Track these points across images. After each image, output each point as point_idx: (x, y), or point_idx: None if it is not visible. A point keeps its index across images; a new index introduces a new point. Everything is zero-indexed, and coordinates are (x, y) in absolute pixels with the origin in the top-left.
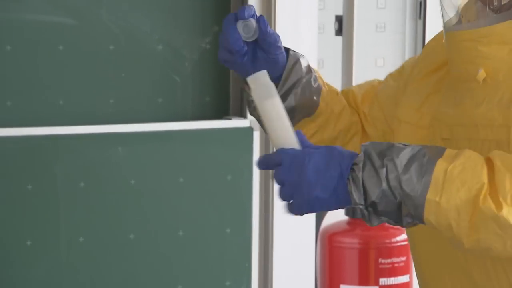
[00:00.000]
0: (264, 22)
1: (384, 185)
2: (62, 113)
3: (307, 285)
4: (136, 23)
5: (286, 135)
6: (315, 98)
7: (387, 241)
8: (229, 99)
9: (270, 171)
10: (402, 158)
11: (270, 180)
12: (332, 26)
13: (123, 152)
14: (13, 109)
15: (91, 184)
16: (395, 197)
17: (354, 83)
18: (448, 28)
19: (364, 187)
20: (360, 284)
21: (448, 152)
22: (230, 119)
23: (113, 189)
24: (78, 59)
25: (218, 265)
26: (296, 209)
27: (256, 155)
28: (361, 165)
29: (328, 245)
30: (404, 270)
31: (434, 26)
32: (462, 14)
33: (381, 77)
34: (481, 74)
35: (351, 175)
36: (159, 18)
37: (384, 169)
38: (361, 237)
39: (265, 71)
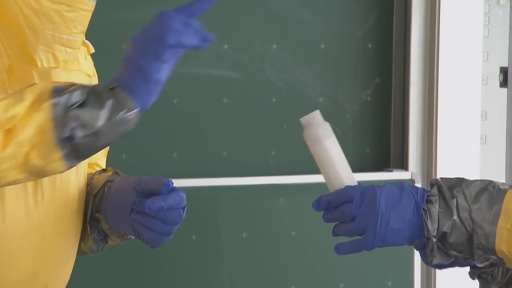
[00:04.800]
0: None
1: (455, 215)
2: (225, 165)
3: None
4: (298, 76)
5: (349, 174)
6: None
7: None
8: (390, 151)
9: None
10: (472, 190)
11: None
12: (496, 77)
13: (284, 203)
14: (178, 160)
15: (253, 235)
16: (465, 228)
17: None
18: None
19: (438, 222)
20: None
21: None
22: (391, 171)
23: (274, 240)
24: (241, 111)
25: None
26: (368, 243)
27: None
28: (436, 197)
29: None
30: None
31: None
32: None
33: None
34: None
35: (427, 207)
36: (321, 70)
37: (454, 200)
38: None
39: (317, 111)
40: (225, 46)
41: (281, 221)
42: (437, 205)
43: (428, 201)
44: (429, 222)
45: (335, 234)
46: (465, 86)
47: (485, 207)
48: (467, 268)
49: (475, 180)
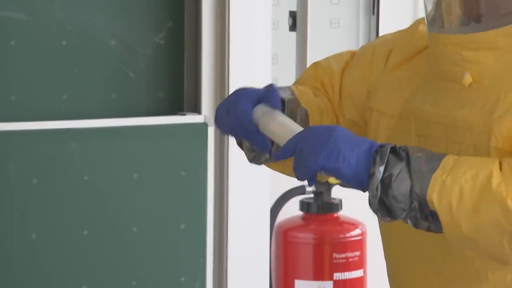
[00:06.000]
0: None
1: (404, 162)
2: (14, 109)
3: (262, 281)
4: (89, 19)
5: (296, 129)
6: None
7: (342, 236)
8: (183, 95)
9: (226, 168)
10: (417, 148)
11: (225, 175)
12: (286, 21)
13: (76, 148)
14: None
15: (44, 180)
16: (410, 177)
17: None
18: (432, 28)
19: (387, 162)
20: (314, 279)
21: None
22: (184, 114)
23: (67, 185)
24: (30, 54)
25: (173, 261)
26: (311, 162)
27: (211, 151)
28: (389, 146)
29: (283, 240)
30: (358, 265)
31: (387, 22)
32: (446, 17)
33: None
34: (467, 78)
35: (380, 148)
36: (113, 13)
37: (404, 152)
38: (315, 232)
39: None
40: None
41: (73, 166)
42: (389, 149)
43: (382, 145)
44: (378, 157)
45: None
46: (256, 30)
47: (425, 159)
48: (255, 207)
49: (420, 147)
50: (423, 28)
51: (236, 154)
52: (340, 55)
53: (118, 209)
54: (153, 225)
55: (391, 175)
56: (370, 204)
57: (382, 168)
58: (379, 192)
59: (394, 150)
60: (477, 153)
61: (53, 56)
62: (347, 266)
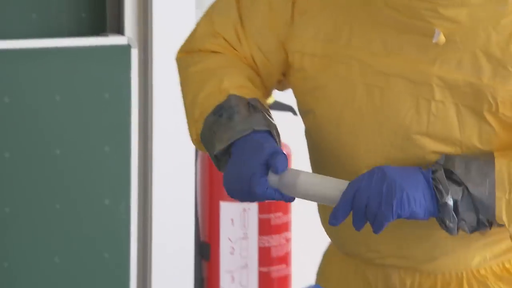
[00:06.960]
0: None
1: (462, 185)
2: None
3: (187, 202)
4: None
5: (339, 183)
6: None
7: None
8: (105, 15)
9: (150, 89)
10: (459, 164)
11: (149, 96)
12: None
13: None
14: None
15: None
16: (473, 203)
17: None
18: None
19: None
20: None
21: (498, 152)
22: (107, 36)
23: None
24: None
25: (97, 183)
26: (387, 216)
27: (134, 72)
28: (441, 166)
29: (208, 162)
30: None
31: None
32: None
33: None
34: (441, 38)
35: (434, 175)
36: None
37: (454, 174)
38: None
39: (269, 175)
40: None
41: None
42: (443, 172)
43: (434, 171)
44: (441, 187)
45: (357, 228)
46: None
47: (478, 180)
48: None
49: (456, 156)
50: None
51: (160, 75)
52: None
53: (40, 131)
54: (76, 147)
55: (456, 202)
56: (450, 230)
57: (450, 197)
58: (456, 219)
59: (445, 171)
60: (459, 113)
61: None
62: None
